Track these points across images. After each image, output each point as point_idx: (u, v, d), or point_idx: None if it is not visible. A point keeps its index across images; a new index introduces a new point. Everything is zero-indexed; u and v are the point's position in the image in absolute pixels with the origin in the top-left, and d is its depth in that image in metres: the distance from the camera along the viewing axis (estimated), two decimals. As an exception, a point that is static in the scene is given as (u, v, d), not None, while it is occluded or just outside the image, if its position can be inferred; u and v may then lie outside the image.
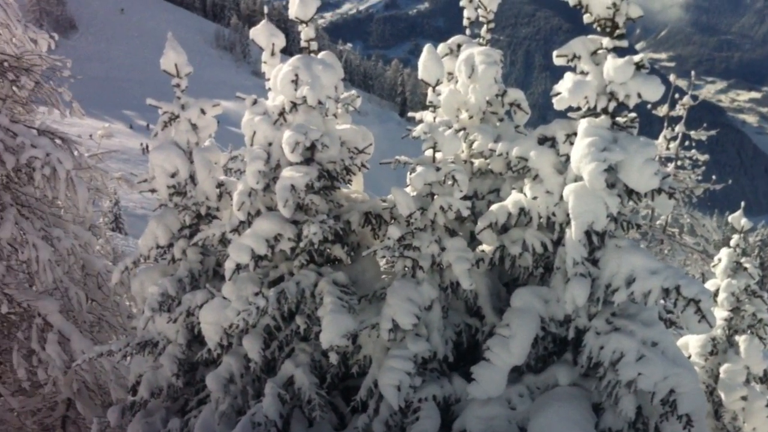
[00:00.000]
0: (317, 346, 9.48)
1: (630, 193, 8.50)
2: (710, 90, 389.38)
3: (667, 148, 17.59)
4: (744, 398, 13.62)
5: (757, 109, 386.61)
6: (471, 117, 10.06)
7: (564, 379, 8.80)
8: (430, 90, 9.64)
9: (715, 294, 13.53)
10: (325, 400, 9.57)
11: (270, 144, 9.51)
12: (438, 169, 8.89)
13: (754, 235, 68.92)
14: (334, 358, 8.84)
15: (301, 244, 9.29)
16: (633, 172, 8.12)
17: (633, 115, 8.67)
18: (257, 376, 10.04)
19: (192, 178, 10.60)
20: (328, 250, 9.92)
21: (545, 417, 8.36)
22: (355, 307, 9.12)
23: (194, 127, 10.66)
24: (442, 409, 9.09)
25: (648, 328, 8.40)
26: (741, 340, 13.67)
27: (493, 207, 9.04)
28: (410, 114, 10.90)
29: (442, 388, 9.09)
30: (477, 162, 10.06)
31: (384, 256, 9.42)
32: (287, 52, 9.87)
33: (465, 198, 9.22)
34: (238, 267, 9.06)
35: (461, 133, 9.85)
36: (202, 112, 10.57)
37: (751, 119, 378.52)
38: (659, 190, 8.39)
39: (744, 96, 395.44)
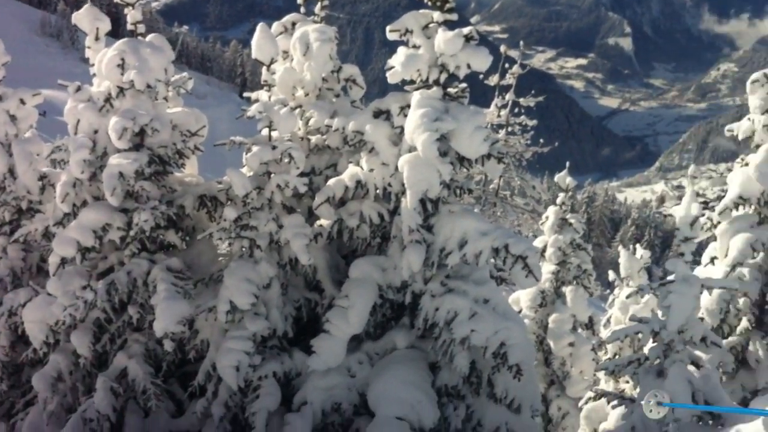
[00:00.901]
0: (152, 335, 9.33)
1: (462, 160, 8.93)
2: (540, 59, 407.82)
3: (499, 116, 18.50)
4: (571, 344, 14.75)
5: (583, 74, 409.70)
6: (307, 94, 10.15)
7: (402, 342, 9.22)
8: (264, 69, 9.66)
9: (544, 249, 14.51)
10: (162, 388, 9.51)
11: (96, 131, 9.21)
12: (274, 148, 8.96)
13: (581, 192, 73.73)
14: (169, 345, 8.78)
15: (132, 233, 9.13)
16: (464, 140, 8.54)
17: (463, 85, 9.06)
18: (87, 371, 9.78)
19: (11, 171, 10.17)
20: (161, 237, 9.73)
21: (383, 381, 8.76)
22: (190, 293, 9.08)
23: (13, 118, 10.21)
24: (283, 385, 9.27)
25: (480, 287, 8.95)
26: (568, 290, 14.75)
27: (331, 181, 9.25)
28: (246, 94, 10.86)
29: (283, 364, 9.26)
30: (314, 138, 10.20)
31: (220, 238, 9.40)
32: (119, 36, 9.58)
33: (302, 175, 9.35)
34: (63, 261, 8.81)
35: (297, 110, 9.93)
36: (22, 102, 10.15)
37: (578, 85, 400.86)
38: (489, 156, 8.82)
39: (572, 63, 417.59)
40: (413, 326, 9.24)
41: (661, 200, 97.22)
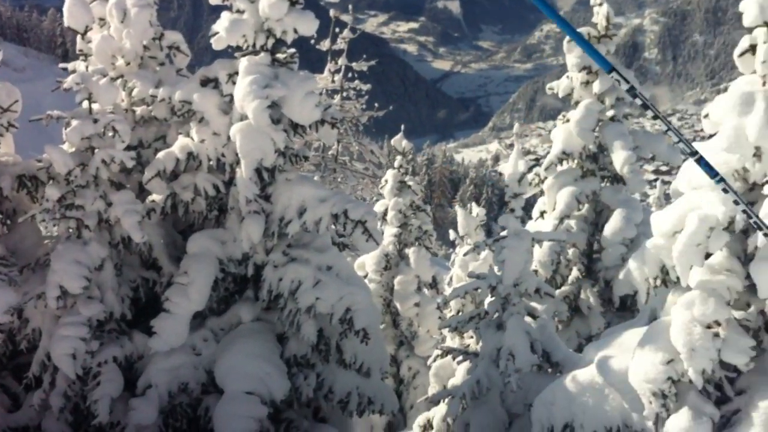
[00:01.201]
0: (-23, 328, 8.65)
1: (295, 126, 8.79)
2: (373, 23, 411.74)
3: (333, 81, 18.41)
4: (417, 305, 15.07)
5: (416, 38, 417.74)
6: (128, 63, 9.59)
7: (247, 316, 9.03)
8: (79, 37, 9.07)
9: (385, 213, 14.67)
10: (-7, 383, 8.87)
11: None
12: (96, 121, 8.42)
13: (421, 154, 75.50)
14: (-4, 337, 8.19)
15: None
16: (295, 106, 8.39)
17: (292, 50, 8.90)
18: None
19: None
20: (-23, 223, 8.99)
21: (230, 356, 8.56)
22: (16, 279, 8.43)
23: None
24: (125, 369, 8.86)
25: (322, 254, 8.90)
26: (410, 252, 15.01)
27: (160, 154, 8.83)
28: (62, 65, 10.17)
29: (123, 348, 8.82)
30: (139, 110, 9.67)
31: (44, 220, 8.78)
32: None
33: (129, 148, 8.86)
34: None
35: (119, 81, 9.39)
36: None
37: (411, 48, 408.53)
38: (322, 122, 8.76)
39: (404, 27, 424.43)
40: (257, 298, 9.07)
41: (496, 159, 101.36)
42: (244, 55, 8.62)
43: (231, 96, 8.60)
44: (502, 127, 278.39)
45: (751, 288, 7.09)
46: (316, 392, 9.27)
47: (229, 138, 8.55)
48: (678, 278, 7.06)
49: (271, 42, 8.52)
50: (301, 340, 8.85)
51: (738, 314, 7.42)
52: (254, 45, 8.52)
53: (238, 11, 8.48)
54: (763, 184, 6.88)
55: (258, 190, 8.52)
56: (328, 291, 8.50)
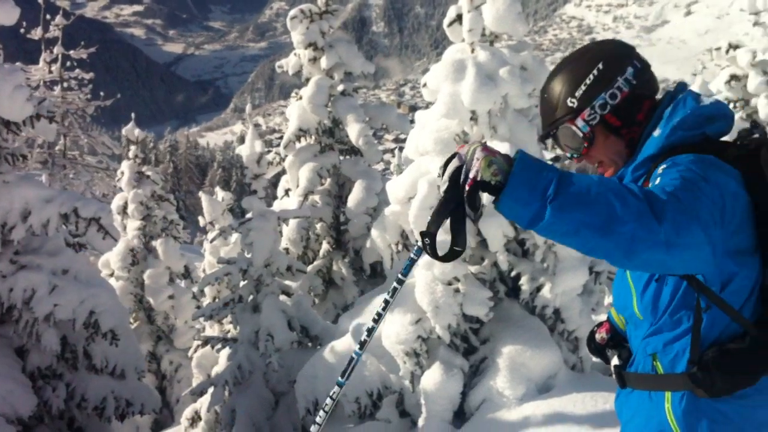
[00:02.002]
0: None
1: (7, 124, 8.08)
2: (94, 7, 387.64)
3: (50, 72, 17.05)
4: (171, 297, 14.62)
5: (142, 21, 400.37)
6: None
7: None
8: None
9: (126, 206, 14.00)
10: None
11: None
12: None
13: (163, 141, 72.89)
14: None
15: None
16: (3, 102, 7.70)
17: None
18: None
19: None
20: None
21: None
22: None
23: None
24: None
25: (55, 258, 8.29)
26: (158, 244, 14.49)
27: None
28: None
29: None
30: None
31: None
32: None
33: None
34: None
35: None
36: None
37: (138, 32, 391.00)
38: (38, 116, 8.14)
39: (127, 10, 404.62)
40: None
41: (241, 140, 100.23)
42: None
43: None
44: (243, 108, 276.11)
45: (483, 243, 7.68)
46: (67, 403, 8.70)
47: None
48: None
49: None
50: (44, 351, 8.22)
51: (474, 269, 8.02)
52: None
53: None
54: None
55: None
56: (66, 296, 7.95)
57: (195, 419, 16.77)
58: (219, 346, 13.17)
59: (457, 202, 1.75)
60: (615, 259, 1.69)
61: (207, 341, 12.63)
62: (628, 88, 2.01)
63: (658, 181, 1.76)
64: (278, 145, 12.23)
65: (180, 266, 15.04)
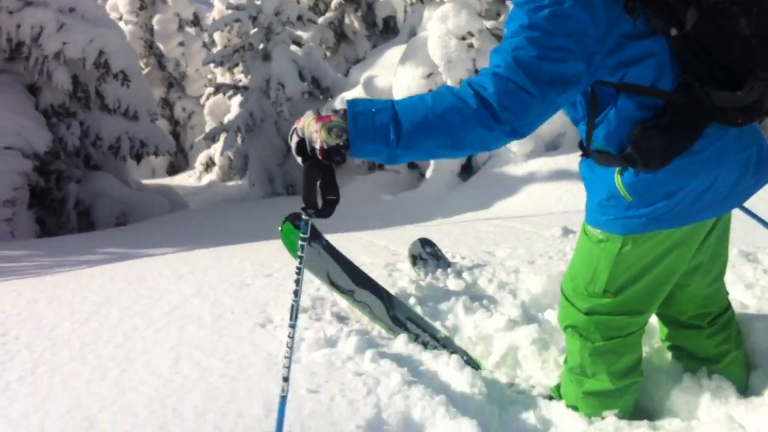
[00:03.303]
0: None
1: None
2: None
3: None
4: (181, 44, 14.52)
5: None
6: None
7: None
8: None
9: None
10: None
11: None
12: None
13: None
14: None
15: None
16: None
17: None
18: None
19: None
20: None
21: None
22: None
23: None
24: None
25: (62, -5, 8.16)
26: (166, -12, 14.15)
27: None
28: None
29: None
30: None
31: None
32: None
33: None
34: None
35: None
36: None
37: None
38: None
39: None
40: (-6, 50, 8.28)
41: None
42: None
43: None
44: None
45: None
46: (82, 140, 8.97)
47: None
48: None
49: None
50: (56, 89, 8.33)
51: (489, 24, 7.85)
52: None
53: None
54: None
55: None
56: (75, 34, 7.88)
57: (209, 164, 17.36)
58: (230, 93, 13.26)
59: (319, 168, 1.80)
60: (483, 151, 1.85)
61: (218, 88, 12.74)
62: None
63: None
64: None
65: (189, 13, 14.80)
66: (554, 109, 1.78)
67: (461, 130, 1.71)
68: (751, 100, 1.72)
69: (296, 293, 1.92)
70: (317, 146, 1.77)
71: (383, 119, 1.72)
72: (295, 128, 1.87)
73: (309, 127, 1.80)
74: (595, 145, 1.96)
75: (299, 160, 1.85)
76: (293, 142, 1.84)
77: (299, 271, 1.93)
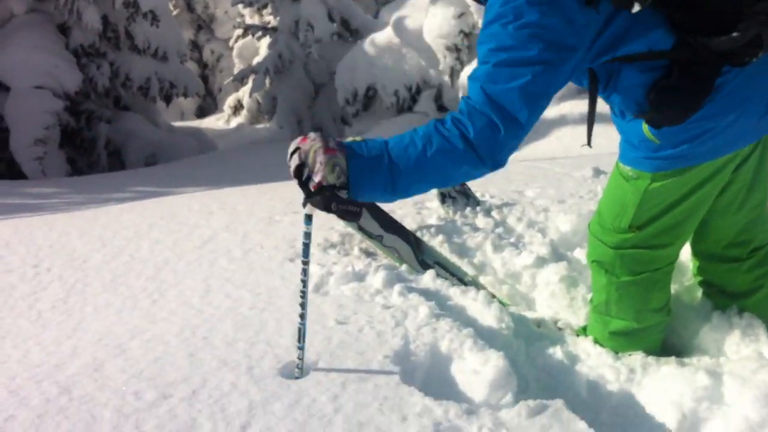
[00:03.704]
0: None
1: None
2: None
3: None
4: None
5: None
6: None
7: (19, 6, 8.26)
8: None
9: None
10: None
11: None
12: None
13: None
14: None
15: None
16: None
17: None
18: None
19: None
20: None
21: (11, 51, 7.85)
22: None
23: None
24: None
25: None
26: (195, -73, 13.96)
27: None
28: None
29: None
30: None
31: None
32: None
33: None
34: None
35: None
36: None
37: None
38: None
39: None
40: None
41: None
42: None
43: None
44: None
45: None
46: (112, 81, 8.99)
47: None
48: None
49: None
50: (86, 29, 8.30)
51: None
52: None
53: None
54: None
55: None
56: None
57: (237, 107, 17.36)
58: (259, 34, 13.18)
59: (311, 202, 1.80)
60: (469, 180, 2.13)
61: (247, 29, 12.65)
62: None
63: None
64: None
65: (219, -47, 14.59)
66: (544, 108, 1.85)
67: (451, 169, 1.82)
68: (750, 37, 1.71)
69: (303, 294, 1.95)
70: (316, 179, 1.76)
71: (381, 168, 1.80)
72: (299, 149, 1.83)
73: (315, 155, 1.78)
74: (615, 111, 2.03)
75: (296, 182, 1.82)
76: (293, 164, 1.81)
77: (305, 269, 1.95)
